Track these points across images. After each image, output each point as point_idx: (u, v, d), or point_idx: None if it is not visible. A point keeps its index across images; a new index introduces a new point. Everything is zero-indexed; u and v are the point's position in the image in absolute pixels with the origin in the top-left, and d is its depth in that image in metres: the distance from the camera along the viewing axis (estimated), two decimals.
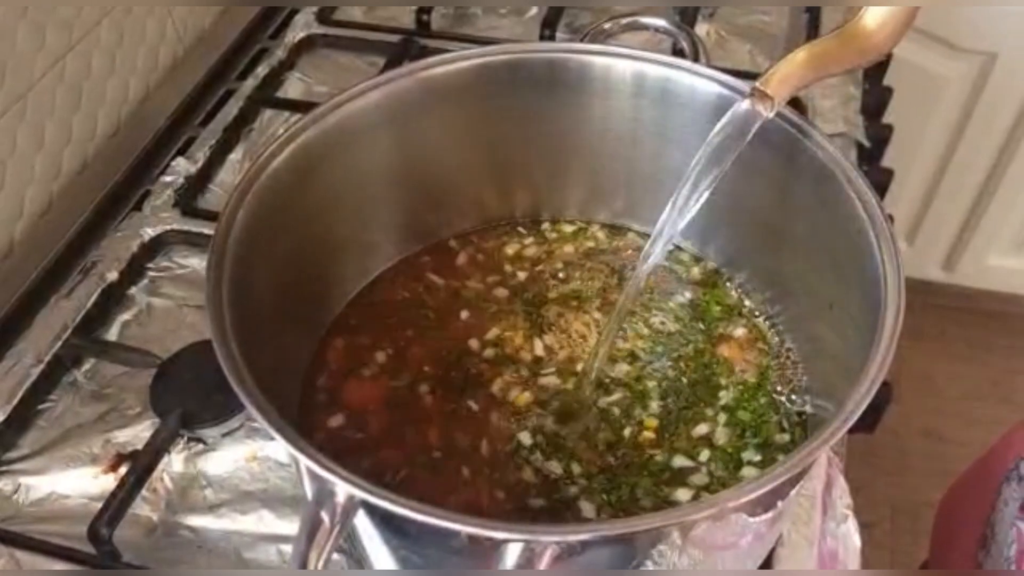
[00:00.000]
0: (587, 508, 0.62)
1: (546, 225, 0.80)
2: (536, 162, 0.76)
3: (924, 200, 1.85)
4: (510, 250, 0.78)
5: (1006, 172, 1.71)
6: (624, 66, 0.68)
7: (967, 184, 1.78)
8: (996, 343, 1.97)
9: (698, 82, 0.67)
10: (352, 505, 0.45)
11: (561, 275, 0.76)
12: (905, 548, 1.59)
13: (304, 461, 0.46)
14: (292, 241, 0.64)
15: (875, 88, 1.08)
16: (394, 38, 1.07)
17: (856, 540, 0.69)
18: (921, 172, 1.80)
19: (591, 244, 0.79)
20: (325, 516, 0.45)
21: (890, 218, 0.58)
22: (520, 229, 0.80)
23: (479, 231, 0.79)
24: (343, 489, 0.45)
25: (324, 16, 1.11)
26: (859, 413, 0.48)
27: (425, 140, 0.71)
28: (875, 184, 0.96)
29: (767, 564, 0.64)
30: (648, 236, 0.77)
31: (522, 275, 0.76)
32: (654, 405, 0.67)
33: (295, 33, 1.09)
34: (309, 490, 0.48)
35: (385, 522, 0.49)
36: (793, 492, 0.56)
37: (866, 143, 0.95)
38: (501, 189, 0.78)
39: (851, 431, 0.78)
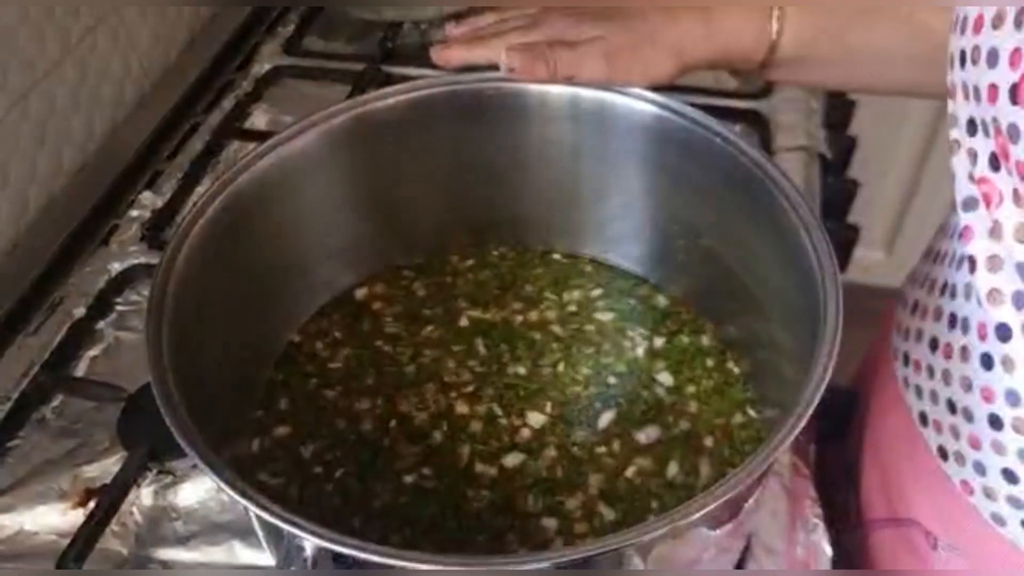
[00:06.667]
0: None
1: (494, 253, 0.80)
2: (479, 191, 0.76)
3: (900, 209, 1.86)
4: (456, 281, 0.79)
5: None
6: (560, 91, 0.69)
7: (943, 191, 1.78)
8: None
9: (634, 104, 0.67)
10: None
11: (515, 304, 0.76)
12: None
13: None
14: (234, 282, 0.64)
15: (838, 100, 1.09)
16: (359, 66, 1.07)
17: (827, 550, 0.69)
18: (896, 182, 1.81)
19: (540, 270, 0.79)
20: None
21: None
22: (466, 258, 0.80)
23: (424, 262, 0.80)
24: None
25: (290, 47, 1.12)
26: (808, 414, 0.47)
27: (364, 176, 0.71)
28: (840, 195, 0.97)
29: None
30: (595, 263, 0.78)
31: (471, 304, 0.76)
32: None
33: (261, 65, 1.09)
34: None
35: None
36: (750, 502, 0.56)
37: (828, 155, 0.95)
38: (444, 219, 0.77)
39: (821, 441, 0.79)
